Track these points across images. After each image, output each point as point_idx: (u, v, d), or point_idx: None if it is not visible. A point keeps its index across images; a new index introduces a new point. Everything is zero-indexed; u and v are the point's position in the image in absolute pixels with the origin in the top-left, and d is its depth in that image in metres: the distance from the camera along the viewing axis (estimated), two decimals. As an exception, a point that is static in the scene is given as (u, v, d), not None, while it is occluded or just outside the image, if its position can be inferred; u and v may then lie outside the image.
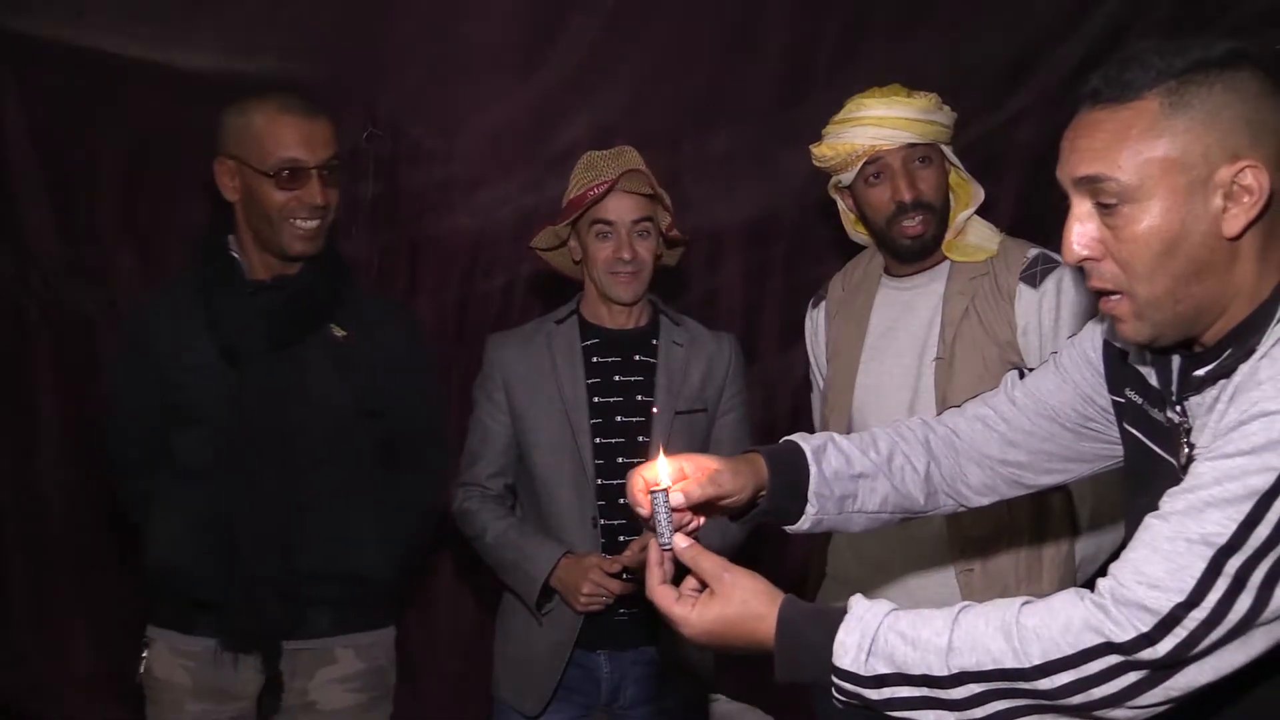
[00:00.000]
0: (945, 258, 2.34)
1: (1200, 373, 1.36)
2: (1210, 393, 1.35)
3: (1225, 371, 1.33)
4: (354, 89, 3.37)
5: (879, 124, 2.26)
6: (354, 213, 3.43)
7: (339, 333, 2.37)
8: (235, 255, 2.40)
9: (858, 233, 2.52)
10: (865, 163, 2.30)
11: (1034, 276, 2.23)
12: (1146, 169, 1.31)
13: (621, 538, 2.57)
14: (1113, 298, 1.39)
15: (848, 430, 2.36)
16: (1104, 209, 1.35)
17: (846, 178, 2.34)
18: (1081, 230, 1.39)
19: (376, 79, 3.37)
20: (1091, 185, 1.36)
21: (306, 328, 2.35)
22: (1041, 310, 2.20)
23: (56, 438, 3.44)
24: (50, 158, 3.32)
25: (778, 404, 3.56)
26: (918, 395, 2.26)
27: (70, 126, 3.31)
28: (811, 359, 2.65)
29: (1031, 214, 3.28)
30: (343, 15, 3.27)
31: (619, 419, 2.61)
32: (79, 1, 3.16)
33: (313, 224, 2.31)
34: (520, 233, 3.50)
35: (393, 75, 3.37)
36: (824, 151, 2.35)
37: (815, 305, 2.62)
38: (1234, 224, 1.31)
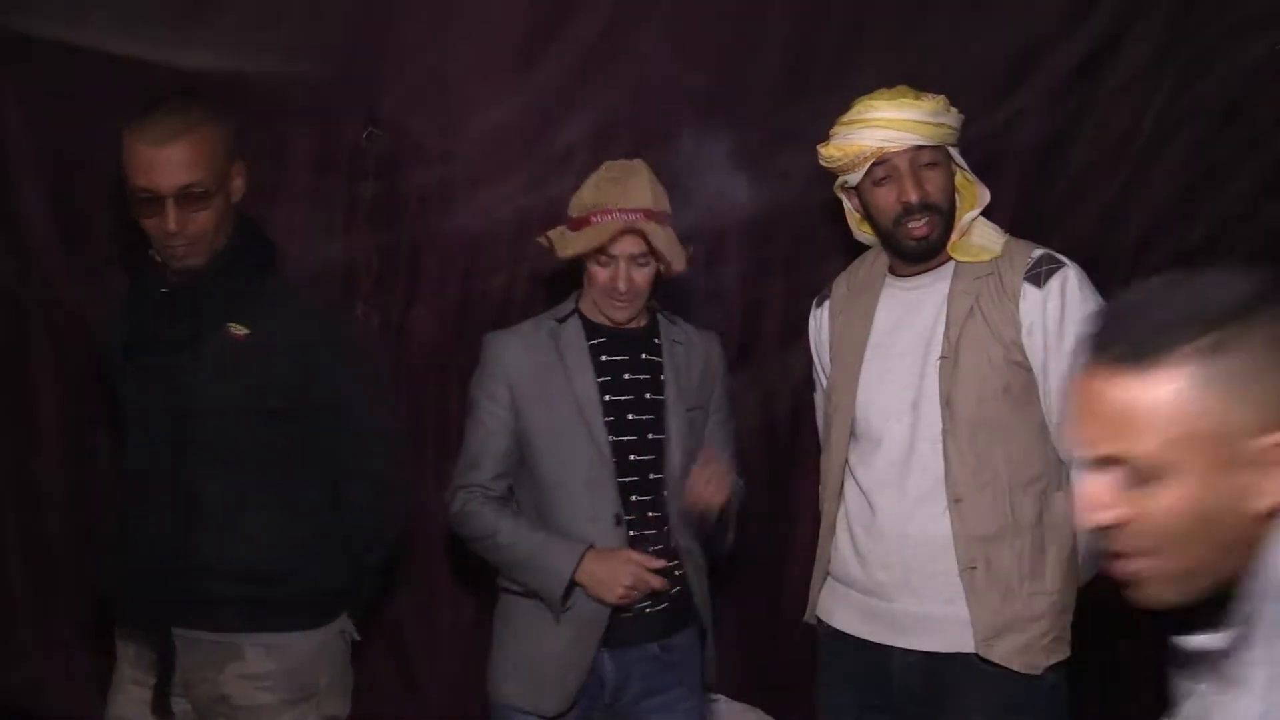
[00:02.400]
0: (950, 258, 2.34)
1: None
2: None
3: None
4: (354, 89, 3.37)
5: (887, 126, 2.26)
6: (354, 213, 3.44)
7: (239, 331, 2.37)
8: (157, 259, 2.44)
9: (862, 232, 2.53)
10: (873, 164, 2.30)
11: (1038, 276, 2.24)
12: (1174, 445, 1.16)
13: (631, 533, 2.58)
14: (1137, 561, 1.23)
15: (851, 428, 2.36)
16: (1126, 479, 1.20)
17: (853, 178, 2.34)
18: (1097, 496, 1.22)
19: (376, 79, 3.37)
20: (1112, 463, 1.21)
21: (195, 327, 2.37)
22: (1046, 310, 2.21)
23: (56, 437, 3.45)
24: (50, 158, 3.32)
25: (778, 404, 3.56)
26: (921, 394, 2.27)
27: (70, 126, 3.31)
28: (815, 358, 2.65)
29: (1031, 214, 3.28)
30: (343, 15, 3.27)
31: (630, 417, 2.62)
32: (79, 1, 3.16)
33: (179, 245, 2.33)
34: (521, 233, 3.50)
35: (393, 75, 3.37)
36: (831, 152, 2.35)
37: (819, 304, 2.62)
38: (1266, 500, 1.16)
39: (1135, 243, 3.60)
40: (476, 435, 2.66)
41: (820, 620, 2.47)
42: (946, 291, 2.31)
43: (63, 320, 3.41)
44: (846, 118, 2.35)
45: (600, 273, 2.59)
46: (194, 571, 2.37)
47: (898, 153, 2.27)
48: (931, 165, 2.29)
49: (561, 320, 2.69)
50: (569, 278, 3.57)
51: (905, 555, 2.26)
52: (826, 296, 2.59)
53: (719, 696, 3.32)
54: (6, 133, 3.29)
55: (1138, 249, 3.61)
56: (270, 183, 3.40)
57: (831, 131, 2.38)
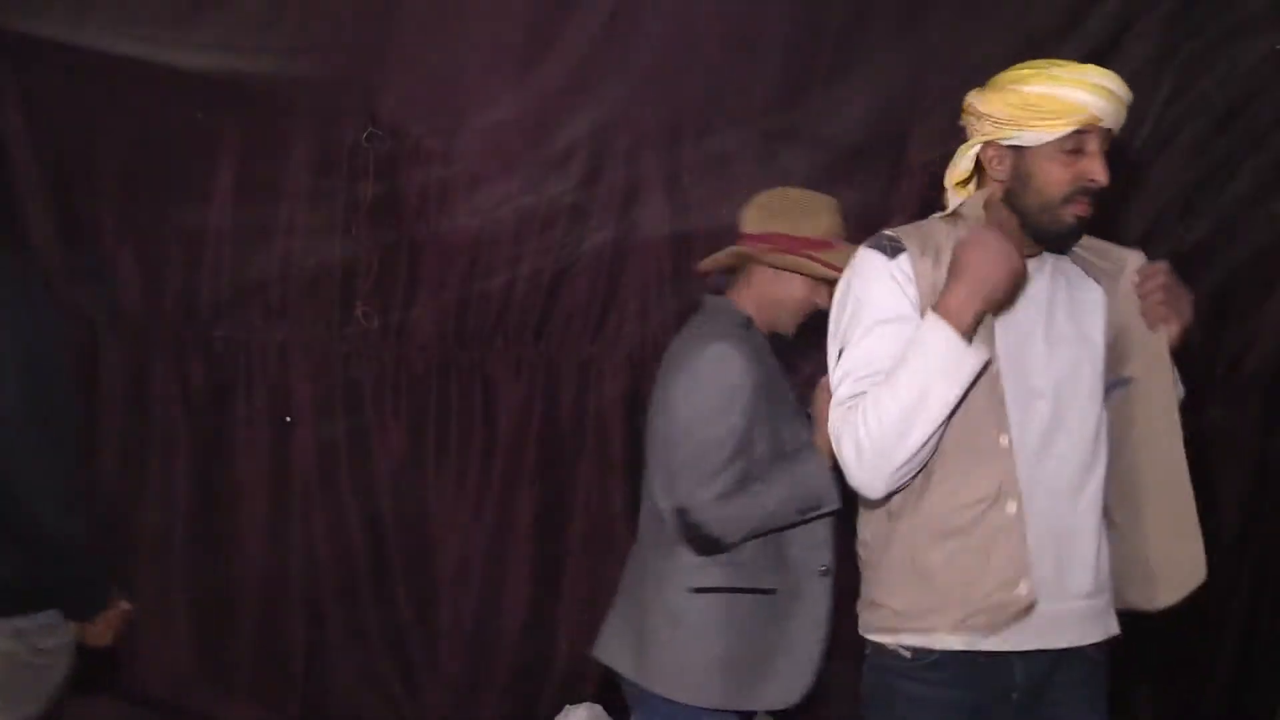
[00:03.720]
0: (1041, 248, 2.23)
1: None
2: None
3: None
4: (354, 89, 3.37)
5: (1108, 98, 2.05)
6: (354, 213, 3.44)
7: None
8: None
9: (956, 194, 2.23)
10: (1075, 130, 2.06)
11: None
12: None
13: None
14: None
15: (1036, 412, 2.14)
16: None
17: (1036, 137, 2.07)
18: None
19: (376, 79, 3.37)
20: None
21: None
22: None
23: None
24: (50, 158, 3.33)
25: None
26: (1059, 377, 2.17)
27: (70, 126, 3.31)
28: (891, 310, 2.11)
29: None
30: (343, 15, 3.27)
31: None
32: (79, 1, 3.16)
33: None
34: (520, 233, 3.50)
35: (393, 75, 3.37)
36: (1039, 100, 2.07)
37: (894, 255, 2.12)
38: None
39: (1136, 242, 3.60)
40: (727, 443, 2.57)
41: (916, 651, 2.14)
42: (1049, 273, 2.23)
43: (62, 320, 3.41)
44: (1058, 72, 2.07)
45: (812, 294, 2.68)
46: None
47: (1099, 128, 2.06)
48: (1107, 153, 2.09)
49: (748, 328, 2.71)
50: (572, 280, 3.58)
51: (1059, 551, 2.16)
52: (901, 249, 2.13)
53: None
54: (6, 132, 3.29)
55: (1138, 248, 3.62)
56: (270, 183, 3.41)
57: (1028, 75, 2.09)
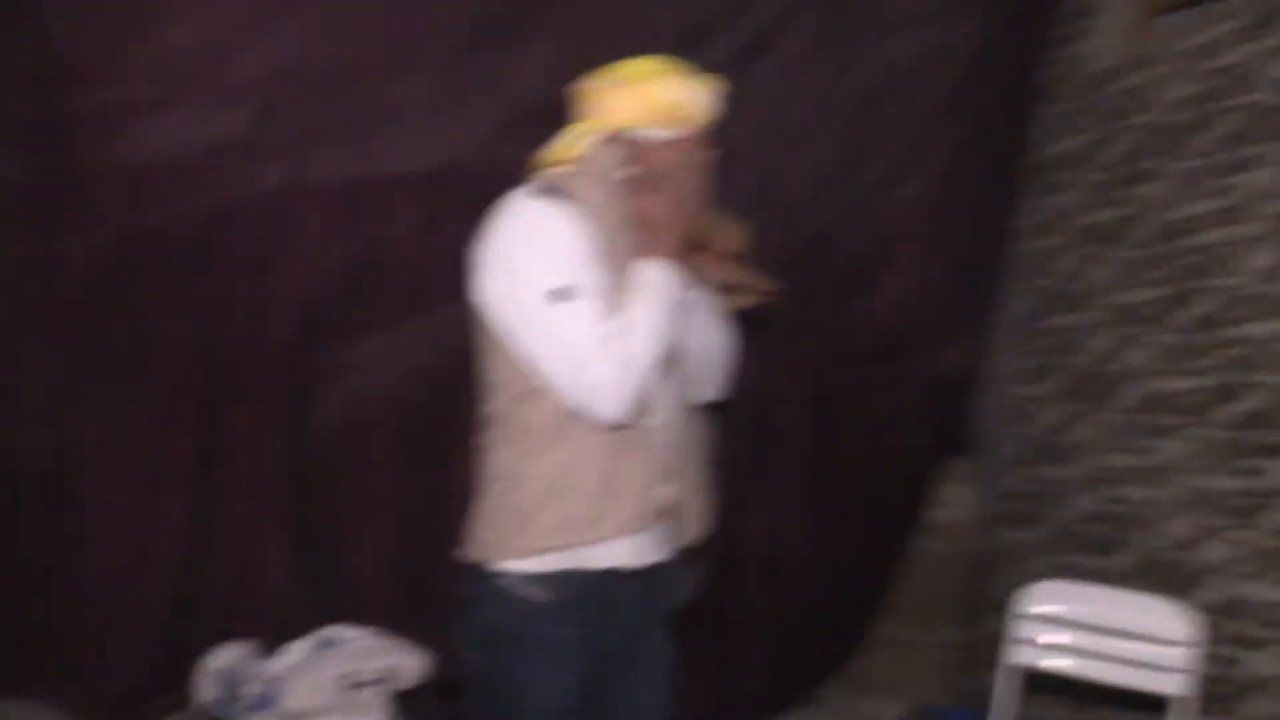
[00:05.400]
0: None
1: None
2: None
3: None
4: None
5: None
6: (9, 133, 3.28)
7: None
8: None
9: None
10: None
11: None
12: None
13: None
14: None
15: None
16: None
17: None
18: None
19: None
20: None
21: None
22: None
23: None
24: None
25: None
26: None
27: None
28: (586, 247, 2.26)
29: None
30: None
31: None
32: None
33: None
34: (186, 166, 3.41)
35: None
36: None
37: (562, 203, 2.25)
38: None
39: (773, 225, 3.86)
40: None
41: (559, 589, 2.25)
42: None
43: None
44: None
45: None
46: None
47: None
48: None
49: None
50: (238, 220, 3.51)
51: None
52: (561, 198, 2.24)
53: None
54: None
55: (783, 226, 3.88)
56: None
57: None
